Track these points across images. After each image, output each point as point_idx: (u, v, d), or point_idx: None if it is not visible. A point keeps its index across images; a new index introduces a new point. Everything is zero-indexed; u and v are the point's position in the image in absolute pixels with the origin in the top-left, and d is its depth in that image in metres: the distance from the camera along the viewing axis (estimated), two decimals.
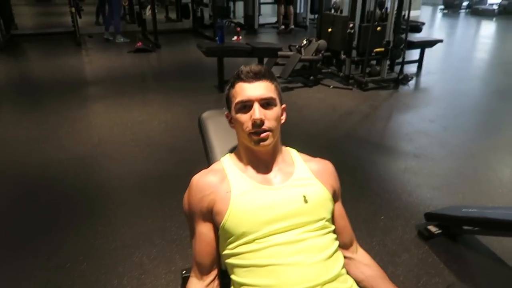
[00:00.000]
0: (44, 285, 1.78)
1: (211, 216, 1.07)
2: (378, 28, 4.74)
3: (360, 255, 1.20)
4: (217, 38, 5.24)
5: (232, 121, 1.15)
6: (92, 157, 3.01)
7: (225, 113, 1.18)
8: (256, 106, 1.06)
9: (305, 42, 5.04)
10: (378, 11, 4.91)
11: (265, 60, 5.05)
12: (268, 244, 1.00)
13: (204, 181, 1.09)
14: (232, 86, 1.11)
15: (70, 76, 5.31)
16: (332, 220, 1.14)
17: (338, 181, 1.21)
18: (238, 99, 1.08)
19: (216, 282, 1.12)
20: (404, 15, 4.80)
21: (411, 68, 5.68)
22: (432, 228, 2.13)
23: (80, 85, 4.92)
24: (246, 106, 1.07)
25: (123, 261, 1.94)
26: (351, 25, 4.81)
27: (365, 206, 2.42)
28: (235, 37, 7.68)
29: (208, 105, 4.09)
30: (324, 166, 1.19)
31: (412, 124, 3.81)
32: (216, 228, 1.07)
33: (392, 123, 4.00)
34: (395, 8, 4.58)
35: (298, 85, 4.96)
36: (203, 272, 1.11)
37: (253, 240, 1.01)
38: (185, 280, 1.73)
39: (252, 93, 1.06)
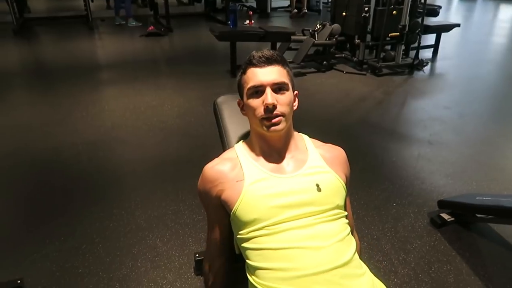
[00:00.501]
0: (61, 266, 1.83)
1: (221, 205, 1.08)
2: (394, 12, 4.64)
3: None
4: (229, 22, 5.20)
5: (244, 108, 1.14)
6: (106, 141, 3.05)
7: (237, 100, 1.18)
8: (268, 91, 1.05)
9: (318, 26, 4.97)
10: None
11: (278, 44, 5.00)
12: (281, 229, 1.00)
13: (213, 171, 1.10)
14: (244, 72, 1.11)
15: (83, 60, 5.35)
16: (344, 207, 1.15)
17: (349, 169, 1.20)
18: (250, 84, 1.07)
19: (222, 270, 1.17)
20: None
21: (427, 53, 5.57)
22: (445, 216, 2.12)
23: (93, 69, 4.95)
24: (258, 91, 1.07)
25: (137, 243, 1.98)
26: (366, 8, 4.72)
27: (378, 192, 2.40)
28: (247, 21, 7.60)
29: (221, 89, 4.08)
30: (337, 154, 1.19)
31: (426, 110, 3.76)
32: (228, 215, 1.08)
33: (406, 109, 3.95)
34: None
35: (311, 70, 4.91)
36: (212, 258, 1.16)
37: (264, 227, 1.01)
38: (198, 263, 1.77)
39: (264, 78, 1.06)
